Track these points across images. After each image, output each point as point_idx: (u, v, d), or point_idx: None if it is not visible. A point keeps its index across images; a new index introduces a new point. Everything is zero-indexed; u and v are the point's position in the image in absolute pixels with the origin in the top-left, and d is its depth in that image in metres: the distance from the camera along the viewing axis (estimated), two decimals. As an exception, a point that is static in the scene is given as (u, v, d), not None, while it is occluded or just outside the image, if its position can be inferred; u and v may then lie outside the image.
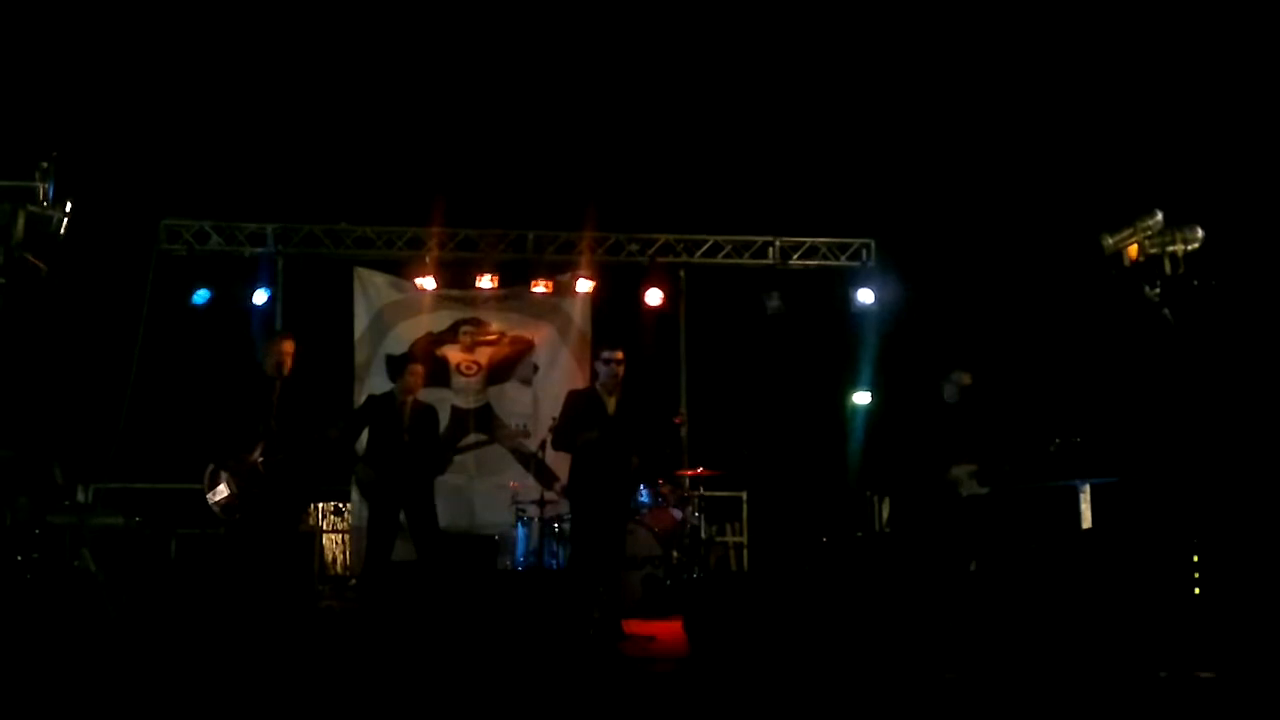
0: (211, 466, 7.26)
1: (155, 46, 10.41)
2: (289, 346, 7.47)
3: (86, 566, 7.88)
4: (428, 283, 11.23)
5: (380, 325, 11.36)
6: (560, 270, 11.56)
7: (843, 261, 11.94)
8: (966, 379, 7.46)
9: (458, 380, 11.29)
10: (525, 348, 11.53)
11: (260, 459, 7.19)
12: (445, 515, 9.25)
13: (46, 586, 7.27)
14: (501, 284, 11.42)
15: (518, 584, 7.99)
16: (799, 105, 11.36)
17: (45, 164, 7.20)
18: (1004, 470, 7.27)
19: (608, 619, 7.42)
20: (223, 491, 7.19)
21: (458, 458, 9.61)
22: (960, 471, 7.30)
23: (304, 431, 7.26)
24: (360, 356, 11.24)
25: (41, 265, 7.31)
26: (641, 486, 9.34)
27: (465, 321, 11.48)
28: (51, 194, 7.19)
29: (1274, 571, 6.09)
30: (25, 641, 6.26)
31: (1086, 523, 7.77)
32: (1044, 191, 9.98)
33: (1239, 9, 9.22)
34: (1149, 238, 6.85)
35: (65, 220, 7.27)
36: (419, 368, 8.43)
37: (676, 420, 10.96)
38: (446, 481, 9.69)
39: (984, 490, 7.30)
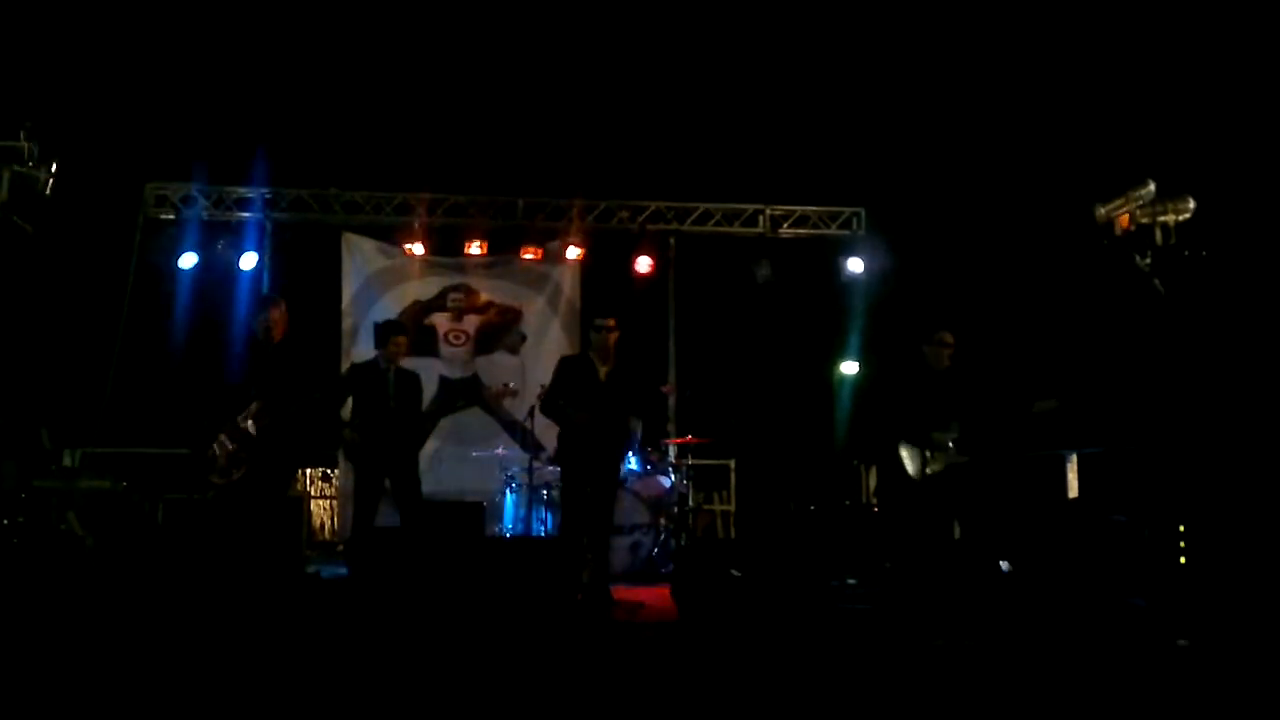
0: (209, 428, 7.20)
1: (143, 7, 10.29)
2: (278, 314, 7.43)
3: (73, 530, 7.88)
4: (416, 248, 11.18)
5: (369, 292, 11.31)
6: (550, 237, 11.52)
7: (833, 230, 11.93)
8: (948, 338, 7.42)
9: (446, 349, 11.26)
10: (513, 317, 11.50)
11: (252, 424, 7.16)
12: (433, 482, 9.25)
13: (33, 550, 7.26)
14: (491, 250, 11.39)
15: (506, 550, 7.99)
16: (790, 73, 11.30)
17: (31, 124, 7.14)
18: (982, 441, 7.25)
19: (596, 585, 7.43)
20: (218, 453, 7.16)
21: (445, 421, 9.59)
22: (941, 438, 7.28)
23: (294, 397, 7.22)
24: (348, 323, 11.20)
25: (27, 226, 7.27)
26: (630, 454, 9.34)
27: (453, 288, 11.44)
28: (37, 153, 7.13)
29: (1260, 542, 6.13)
30: (11, 606, 6.25)
31: (1073, 492, 7.81)
32: (1036, 161, 9.96)
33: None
34: (1141, 208, 6.87)
35: (51, 180, 7.22)
36: (403, 339, 8.37)
37: (665, 389, 10.96)
38: (434, 448, 9.69)
39: (963, 459, 7.28)
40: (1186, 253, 6.69)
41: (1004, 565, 7.01)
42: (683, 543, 9.46)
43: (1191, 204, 6.85)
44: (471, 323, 11.42)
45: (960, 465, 7.27)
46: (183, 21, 10.50)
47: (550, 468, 9.31)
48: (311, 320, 10.06)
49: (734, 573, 6.81)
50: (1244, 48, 9.09)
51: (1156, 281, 6.73)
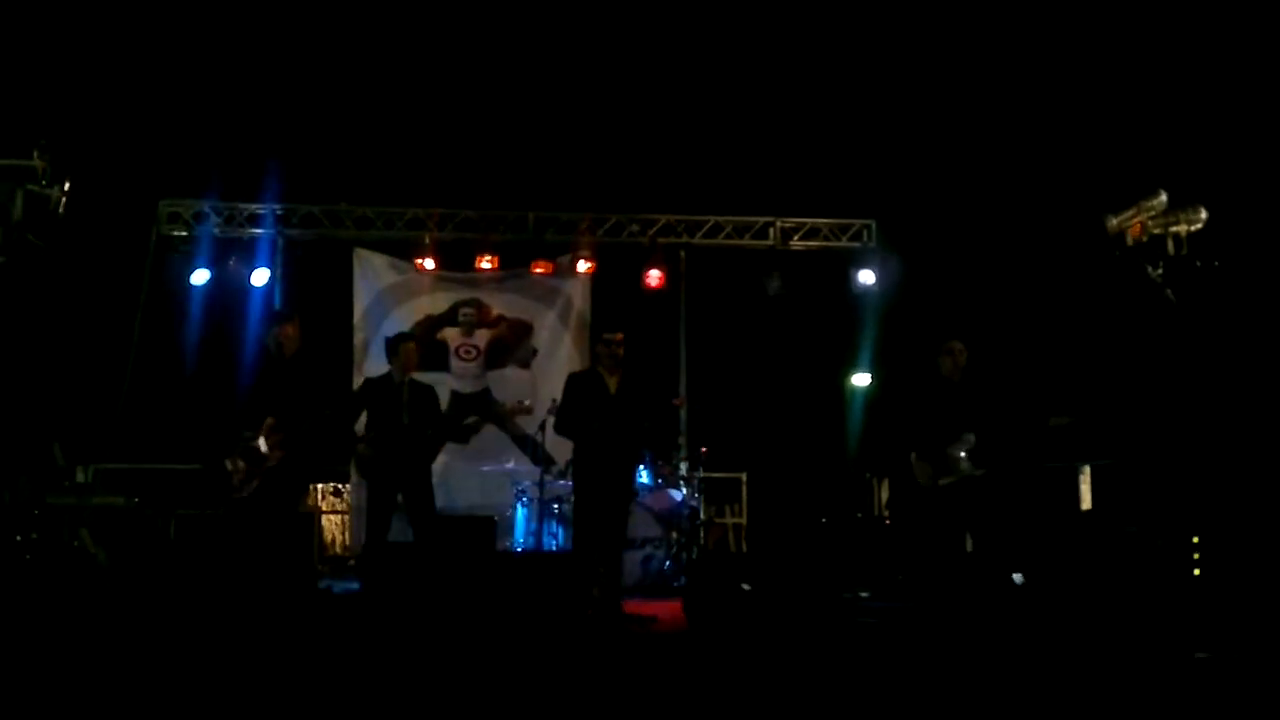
0: (221, 444, 7.20)
1: (155, 26, 10.37)
2: (291, 329, 7.45)
3: (86, 547, 7.90)
4: (427, 263, 11.20)
5: (380, 307, 11.34)
6: (561, 251, 11.53)
7: (844, 242, 11.91)
8: (960, 346, 7.38)
9: (457, 365, 11.26)
10: (524, 331, 11.51)
11: (264, 440, 7.16)
12: (445, 496, 9.24)
13: (46, 566, 7.27)
14: (502, 265, 11.39)
15: (517, 565, 7.98)
16: (800, 86, 11.32)
17: (44, 142, 7.18)
18: (995, 452, 7.21)
19: (607, 599, 7.42)
20: (230, 469, 7.16)
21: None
22: (955, 451, 7.25)
23: (307, 413, 7.23)
24: (359, 338, 11.22)
25: (41, 244, 7.31)
26: (642, 468, 9.32)
27: (465, 303, 11.44)
28: (50, 172, 7.17)
29: (1273, 554, 6.09)
30: (24, 621, 6.26)
31: (1086, 504, 7.77)
32: (1047, 171, 9.95)
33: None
34: (1152, 218, 6.83)
35: (64, 199, 7.26)
36: (412, 345, 8.33)
37: (676, 402, 10.94)
38: (445, 463, 9.68)
39: (979, 472, 7.25)
40: (1199, 263, 6.66)
41: (1017, 578, 6.98)
42: (694, 556, 9.43)
43: (1203, 214, 6.82)
44: (483, 337, 11.42)
45: (973, 477, 7.24)
46: (195, 39, 10.57)
47: (561, 482, 9.31)
48: (323, 335, 10.08)
49: (744, 586, 6.80)
50: (1254, 57, 9.07)
51: (1169, 292, 6.70)
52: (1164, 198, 6.87)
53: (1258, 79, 9.11)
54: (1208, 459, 6.70)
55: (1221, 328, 6.96)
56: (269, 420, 7.17)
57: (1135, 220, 6.95)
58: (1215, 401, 6.91)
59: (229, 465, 7.16)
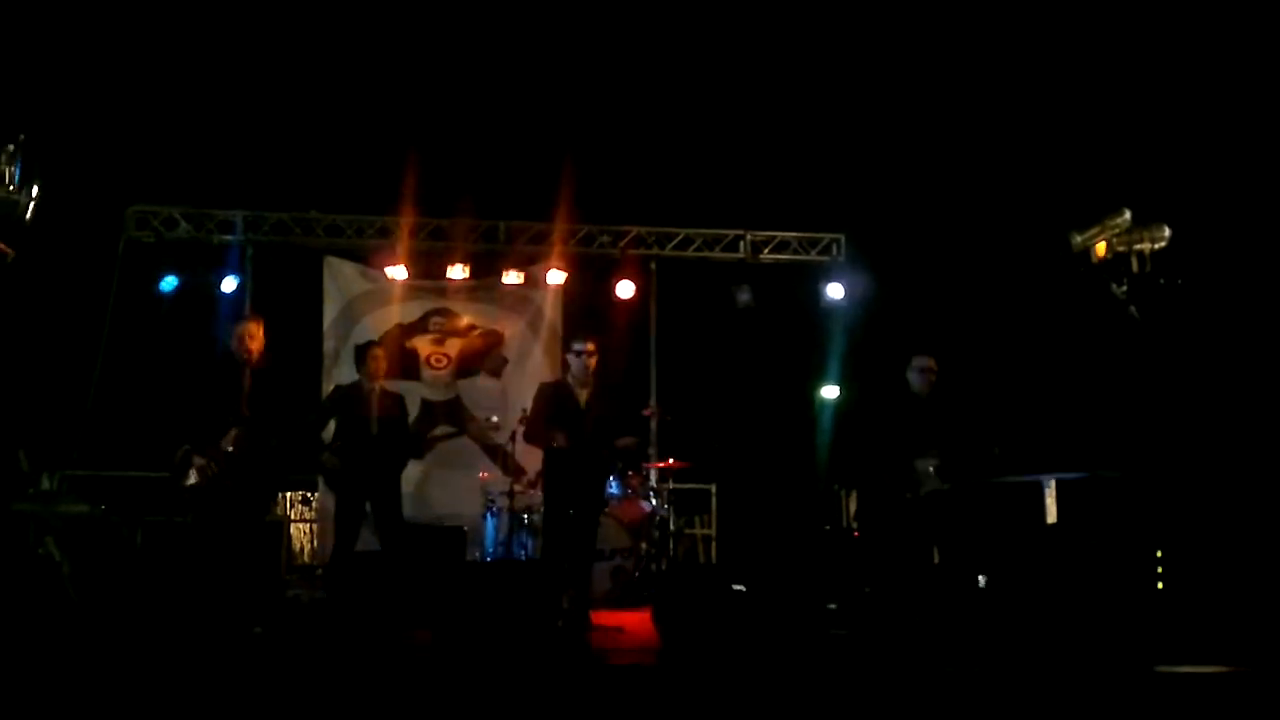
0: (185, 449, 7.17)
1: (125, 30, 10.31)
2: (255, 329, 7.40)
3: (51, 555, 7.82)
4: (398, 272, 11.18)
5: (350, 315, 11.29)
6: (532, 261, 11.54)
7: (813, 256, 11.99)
8: (930, 363, 7.44)
9: (427, 373, 11.24)
10: (495, 340, 11.50)
11: (231, 447, 7.12)
12: (413, 506, 9.23)
13: (10, 574, 7.21)
14: (473, 274, 11.38)
15: (486, 575, 7.97)
16: (771, 100, 11.38)
17: (12, 147, 7.12)
18: (963, 467, 7.27)
19: (576, 610, 7.43)
20: (194, 477, 7.12)
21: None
22: (923, 465, 7.31)
23: (274, 420, 7.20)
24: (329, 346, 11.17)
25: (8, 250, 7.25)
26: (611, 479, 9.34)
27: (435, 312, 11.43)
28: (18, 177, 7.12)
29: (1238, 567, 6.18)
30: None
31: (1052, 518, 7.84)
32: (1014, 188, 10.06)
33: (1208, 10, 9.32)
34: (1117, 236, 6.92)
35: (32, 204, 7.21)
36: (380, 351, 8.33)
37: (646, 413, 10.97)
38: (415, 472, 9.66)
39: (945, 486, 7.31)
40: (1162, 280, 6.75)
41: (981, 581, 7.05)
42: (664, 567, 9.45)
43: (1167, 232, 6.91)
44: (453, 346, 11.40)
45: (940, 491, 7.30)
46: (165, 45, 10.51)
47: (531, 492, 9.31)
48: (292, 343, 10.04)
49: (736, 587, 6.80)
50: (1217, 78, 9.21)
51: (1133, 309, 6.79)
52: (1128, 215, 6.97)
53: (1220, 99, 9.24)
54: (1172, 474, 6.79)
55: (1185, 344, 7.06)
56: (234, 431, 7.13)
57: (1100, 238, 7.04)
58: (1179, 417, 7.00)
59: (193, 473, 7.12)
